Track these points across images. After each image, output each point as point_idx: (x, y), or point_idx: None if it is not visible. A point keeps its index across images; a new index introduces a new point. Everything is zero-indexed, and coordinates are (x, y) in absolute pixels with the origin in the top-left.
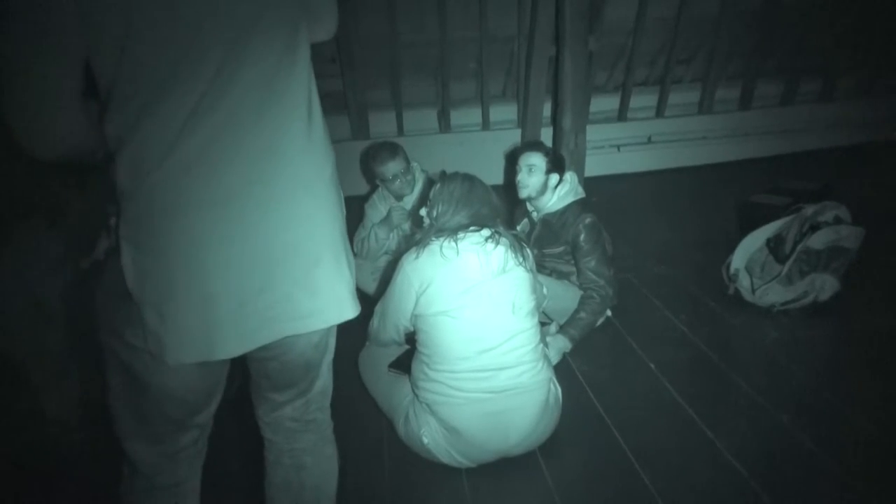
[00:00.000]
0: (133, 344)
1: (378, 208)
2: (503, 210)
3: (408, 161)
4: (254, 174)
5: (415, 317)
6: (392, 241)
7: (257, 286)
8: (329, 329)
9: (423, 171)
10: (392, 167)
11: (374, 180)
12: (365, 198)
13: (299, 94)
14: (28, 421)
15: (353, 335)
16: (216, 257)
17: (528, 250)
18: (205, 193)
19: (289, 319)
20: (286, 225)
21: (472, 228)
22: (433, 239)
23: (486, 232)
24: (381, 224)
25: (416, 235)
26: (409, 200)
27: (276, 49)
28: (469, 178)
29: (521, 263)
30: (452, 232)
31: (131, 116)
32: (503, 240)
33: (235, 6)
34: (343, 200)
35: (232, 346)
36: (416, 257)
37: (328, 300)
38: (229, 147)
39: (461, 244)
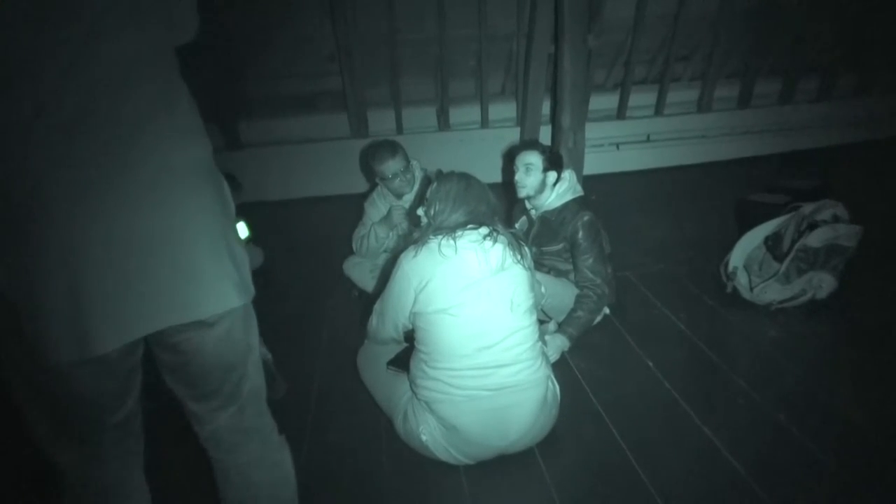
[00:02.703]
0: (25, 350)
1: (378, 207)
2: (500, 208)
3: (407, 160)
4: (114, 163)
5: (413, 315)
6: (391, 239)
7: (128, 277)
8: (240, 325)
9: (422, 169)
10: (392, 166)
11: (373, 178)
12: (364, 196)
13: (167, 83)
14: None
15: (352, 333)
16: (79, 250)
17: (526, 248)
18: (67, 183)
19: (166, 310)
20: (155, 213)
21: (469, 227)
22: (431, 237)
23: (483, 230)
24: (381, 223)
25: (415, 234)
26: (409, 199)
27: (130, 43)
28: (465, 177)
29: (518, 261)
30: (451, 230)
31: None
32: (501, 238)
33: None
34: (225, 188)
35: (108, 341)
36: (415, 255)
37: (207, 288)
38: (84, 137)
39: (459, 242)
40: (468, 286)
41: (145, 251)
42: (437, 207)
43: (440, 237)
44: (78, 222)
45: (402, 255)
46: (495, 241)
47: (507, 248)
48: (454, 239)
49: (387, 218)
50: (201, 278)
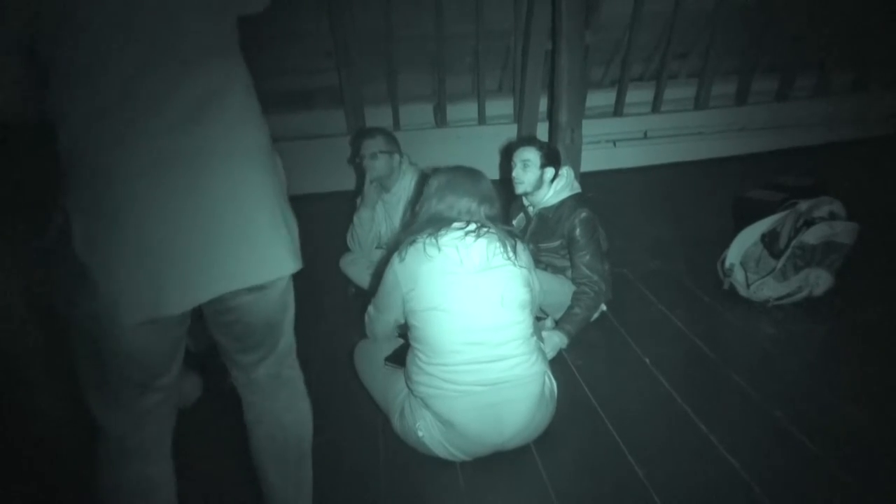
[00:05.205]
0: (89, 311)
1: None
2: (495, 197)
3: (390, 147)
4: (191, 139)
5: (407, 312)
6: (383, 228)
7: (198, 245)
8: (286, 288)
9: (411, 163)
10: (366, 145)
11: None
12: (356, 193)
13: (233, 68)
14: (22, 417)
15: (348, 330)
16: (157, 219)
17: (522, 244)
18: (144, 158)
19: (230, 276)
20: (223, 187)
21: (455, 226)
22: (417, 238)
23: (469, 227)
24: (361, 206)
25: (408, 228)
26: (398, 192)
27: (207, 25)
28: (454, 170)
29: (508, 258)
30: (435, 229)
31: (69, 86)
32: (489, 234)
33: None
34: (279, 165)
35: (178, 303)
36: (402, 260)
37: (266, 256)
38: (164, 116)
39: (441, 241)
40: (454, 283)
41: (213, 221)
42: (423, 203)
43: (424, 237)
44: (153, 194)
45: (393, 257)
46: (478, 237)
47: (495, 244)
48: (437, 238)
49: (364, 200)
50: (264, 246)
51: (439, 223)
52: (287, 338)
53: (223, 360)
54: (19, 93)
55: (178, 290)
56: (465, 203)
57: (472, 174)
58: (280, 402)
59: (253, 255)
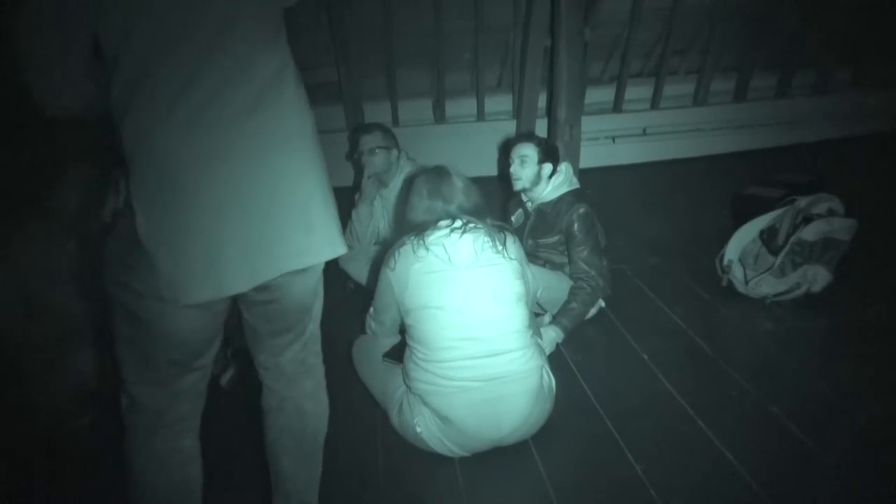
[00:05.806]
0: (141, 292)
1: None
2: (468, 190)
3: (388, 143)
4: (250, 129)
5: (402, 312)
6: (384, 229)
7: (259, 228)
8: (321, 274)
9: (409, 159)
10: (364, 141)
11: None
12: (354, 189)
13: (285, 60)
14: (19, 412)
15: (347, 327)
16: (221, 205)
17: (512, 237)
18: (207, 147)
19: (288, 256)
20: (281, 174)
21: (441, 224)
22: (406, 240)
23: (455, 223)
24: (360, 202)
25: (397, 234)
26: (395, 188)
27: (263, 14)
28: (423, 174)
29: (499, 252)
30: (421, 230)
31: (134, 81)
32: (475, 229)
33: None
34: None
35: (240, 283)
36: (393, 266)
37: (321, 238)
38: (226, 106)
39: (428, 240)
40: (444, 280)
41: (274, 204)
42: (409, 206)
43: (412, 238)
44: (218, 179)
45: (384, 263)
46: (463, 233)
47: (483, 239)
48: (423, 238)
49: (362, 196)
50: (319, 228)
51: (423, 225)
52: (315, 324)
53: (249, 344)
54: (85, 87)
55: (240, 271)
56: (432, 205)
57: (438, 174)
58: (302, 389)
59: (310, 236)
